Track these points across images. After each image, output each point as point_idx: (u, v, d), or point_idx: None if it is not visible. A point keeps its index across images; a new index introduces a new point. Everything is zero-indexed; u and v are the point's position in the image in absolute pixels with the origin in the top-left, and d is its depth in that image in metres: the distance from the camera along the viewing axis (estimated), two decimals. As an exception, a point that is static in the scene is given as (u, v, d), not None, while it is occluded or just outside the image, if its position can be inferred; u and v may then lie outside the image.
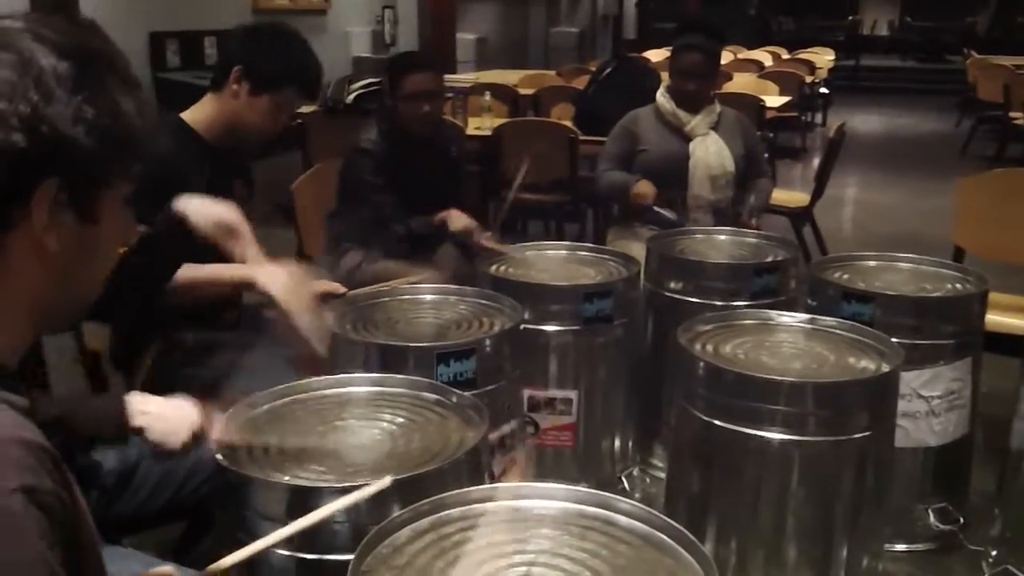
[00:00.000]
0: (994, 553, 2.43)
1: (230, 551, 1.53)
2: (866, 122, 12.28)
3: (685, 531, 1.28)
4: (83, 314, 0.94)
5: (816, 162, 8.65)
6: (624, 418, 2.75)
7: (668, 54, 3.73)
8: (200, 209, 1.95)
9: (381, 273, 2.82)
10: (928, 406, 2.47)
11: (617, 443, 2.76)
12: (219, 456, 1.53)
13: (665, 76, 3.71)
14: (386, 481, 1.32)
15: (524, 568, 1.28)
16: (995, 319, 2.62)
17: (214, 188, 2.24)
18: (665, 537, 1.31)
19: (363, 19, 10.45)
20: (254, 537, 1.48)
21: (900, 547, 2.55)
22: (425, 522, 1.36)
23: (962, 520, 2.58)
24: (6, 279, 0.82)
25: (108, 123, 0.82)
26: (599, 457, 2.70)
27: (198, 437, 1.53)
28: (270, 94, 2.22)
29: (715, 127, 3.41)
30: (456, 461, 1.53)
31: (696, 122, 3.37)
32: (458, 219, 2.91)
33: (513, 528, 1.36)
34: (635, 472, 2.83)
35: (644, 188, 3.29)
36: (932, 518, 2.57)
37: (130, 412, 1.49)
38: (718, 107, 3.46)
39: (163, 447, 1.51)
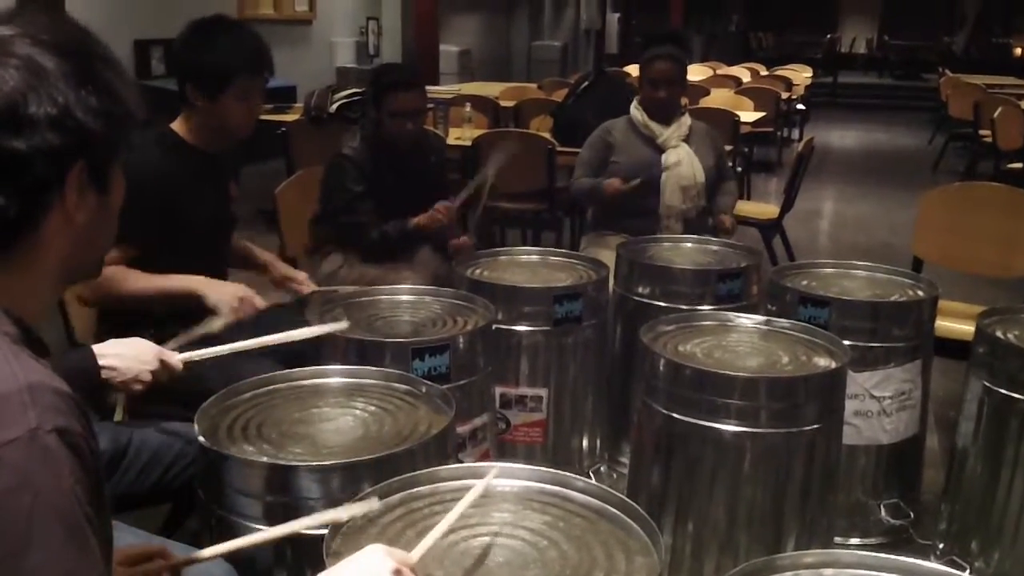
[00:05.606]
0: (941, 546, 2.56)
1: (211, 527, 1.63)
2: (843, 138, 12.50)
3: (634, 504, 1.40)
4: (99, 270, 1.06)
5: (791, 176, 8.86)
6: (593, 416, 2.86)
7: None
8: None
9: (361, 276, 2.94)
10: (880, 406, 2.59)
11: (586, 440, 2.87)
12: (201, 438, 1.63)
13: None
14: (373, 503, 1.39)
15: (487, 538, 1.39)
16: (946, 325, 2.74)
17: (211, 193, 2.35)
18: (616, 511, 1.43)
19: (347, 30, 10.56)
20: (232, 512, 1.59)
21: (855, 541, 2.67)
22: (396, 497, 1.47)
23: (912, 515, 2.70)
24: (39, 254, 0.94)
25: (111, 106, 0.94)
26: (568, 453, 2.81)
27: (164, 362, 1.72)
28: (225, 93, 2.22)
29: (686, 139, 3.53)
30: (425, 443, 1.64)
31: (668, 133, 3.49)
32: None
33: (478, 503, 1.46)
34: (603, 468, 2.94)
35: (614, 182, 3.41)
36: (884, 513, 2.69)
37: (98, 355, 1.67)
38: (688, 119, 3.58)
39: (133, 376, 1.68)
